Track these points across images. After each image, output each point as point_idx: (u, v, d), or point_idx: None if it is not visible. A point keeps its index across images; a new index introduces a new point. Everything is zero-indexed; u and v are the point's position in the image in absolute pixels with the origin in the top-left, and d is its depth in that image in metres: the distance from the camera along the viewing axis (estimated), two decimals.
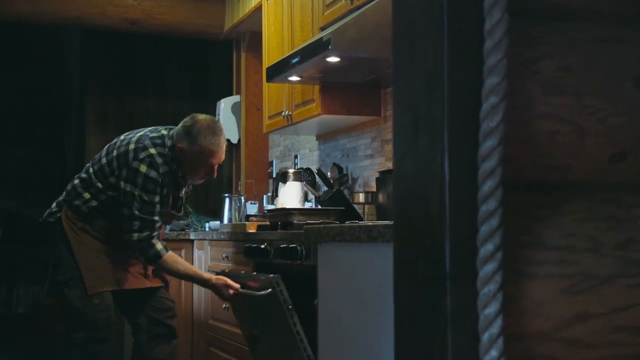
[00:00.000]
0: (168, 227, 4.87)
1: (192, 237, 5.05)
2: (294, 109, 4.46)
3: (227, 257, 4.38)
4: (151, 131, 3.63)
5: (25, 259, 6.53)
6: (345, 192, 4.45)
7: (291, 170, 4.71)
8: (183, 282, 4.93)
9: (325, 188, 4.53)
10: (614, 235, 0.96)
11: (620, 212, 0.96)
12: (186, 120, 3.59)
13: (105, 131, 6.92)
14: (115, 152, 3.58)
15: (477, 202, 0.87)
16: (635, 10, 0.98)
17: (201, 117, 3.60)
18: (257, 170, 5.89)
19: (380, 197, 3.99)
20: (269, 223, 4.21)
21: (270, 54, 4.72)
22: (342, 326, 2.44)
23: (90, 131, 6.93)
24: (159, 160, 3.49)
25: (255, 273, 3.63)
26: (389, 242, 2.08)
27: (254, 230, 4.19)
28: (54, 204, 3.68)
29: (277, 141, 5.77)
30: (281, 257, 3.48)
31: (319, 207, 4.41)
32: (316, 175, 4.67)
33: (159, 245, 3.50)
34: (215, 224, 5.21)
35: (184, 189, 3.73)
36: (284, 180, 4.65)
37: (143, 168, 3.46)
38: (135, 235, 3.46)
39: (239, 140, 6.01)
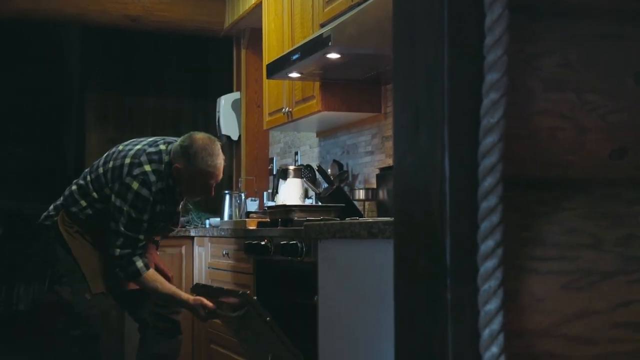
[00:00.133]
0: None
1: (192, 233, 5.05)
2: (294, 105, 4.46)
3: (227, 254, 4.38)
4: (150, 145, 3.59)
5: (26, 257, 6.54)
6: (346, 188, 4.45)
7: (291, 167, 4.71)
8: (183, 279, 4.94)
9: (325, 185, 4.53)
10: (615, 232, 0.96)
11: (620, 208, 0.96)
12: (184, 139, 3.53)
13: (105, 129, 6.93)
14: (111, 164, 3.55)
15: (477, 198, 0.87)
16: (635, 6, 0.98)
17: (199, 136, 3.53)
18: (258, 167, 5.89)
19: (381, 194, 3.99)
20: (269, 220, 4.21)
21: (271, 51, 4.72)
22: (342, 323, 2.44)
23: (90, 129, 6.94)
24: (152, 178, 3.46)
25: (227, 289, 3.66)
26: (390, 238, 2.07)
27: (254, 227, 4.19)
28: (51, 207, 3.67)
29: (278, 138, 5.77)
30: (281, 254, 3.48)
31: (320, 203, 4.41)
32: (316, 172, 4.67)
33: (139, 263, 3.49)
34: (215, 220, 5.20)
35: (181, 204, 3.73)
36: (284, 177, 4.65)
37: (135, 185, 3.44)
38: (117, 251, 3.46)
39: (239, 137, 6.00)
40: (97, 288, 3.53)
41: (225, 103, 6.01)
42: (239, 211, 5.19)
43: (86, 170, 3.72)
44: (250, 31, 5.90)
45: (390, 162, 4.09)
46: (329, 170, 4.57)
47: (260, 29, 5.05)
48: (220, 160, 3.54)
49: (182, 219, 5.33)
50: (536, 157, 0.94)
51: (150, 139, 3.66)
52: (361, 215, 4.13)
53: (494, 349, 0.85)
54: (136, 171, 3.46)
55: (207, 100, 6.90)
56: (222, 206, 5.32)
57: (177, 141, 3.57)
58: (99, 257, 3.56)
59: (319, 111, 4.19)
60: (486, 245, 0.86)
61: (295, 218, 3.84)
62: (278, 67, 4.12)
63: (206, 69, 7.23)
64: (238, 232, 4.23)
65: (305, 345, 3.19)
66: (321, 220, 3.49)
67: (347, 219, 2.90)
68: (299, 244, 3.31)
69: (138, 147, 3.58)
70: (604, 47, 0.96)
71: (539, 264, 0.93)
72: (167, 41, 6.92)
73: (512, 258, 0.90)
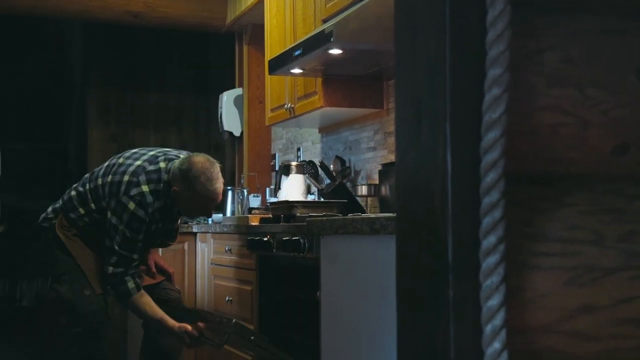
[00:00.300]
0: None
1: (195, 230, 5.05)
2: (296, 101, 4.46)
3: (229, 250, 4.38)
4: (150, 161, 3.54)
5: (29, 252, 6.54)
6: (348, 184, 4.45)
7: (294, 163, 4.71)
8: (186, 275, 4.94)
9: (327, 181, 4.53)
10: (617, 228, 0.95)
11: (623, 204, 0.96)
12: (183, 162, 3.47)
13: (107, 124, 6.93)
14: (110, 178, 3.52)
15: (479, 194, 0.87)
16: (638, 1, 0.98)
17: (197, 159, 3.47)
18: (260, 163, 5.89)
19: (383, 190, 4.00)
20: (271, 216, 4.21)
21: (273, 47, 4.72)
22: (344, 318, 2.44)
23: (92, 125, 6.94)
24: (149, 199, 3.44)
25: (209, 313, 3.72)
26: (392, 234, 2.07)
27: (256, 223, 4.19)
28: (49, 209, 3.67)
29: (280, 134, 5.77)
30: (284, 250, 3.48)
31: (322, 199, 4.41)
32: (319, 168, 4.67)
33: (131, 284, 3.48)
34: (218, 216, 5.21)
35: (179, 220, 3.72)
36: (287, 173, 4.65)
37: (132, 205, 3.42)
38: (110, 269, 3.45)
39: (242, 133, 6.00)
40: (98, 289, 3.54)
41: (227, 99, 6.01)
42: (242, 207, 5.19)
43: (86, 176, 3.69)
44: (252, 27, 5.90)
45: (392, 158, 4.09)
46: (331, 166, 4.57)
47: (262, 25, 5.05)
48: (220, 184, 3.49)
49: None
50: (538, 153, 0.93)
51: (151, 154, 3.60)
52: (363, 211, 4.13)
53: (496, 345, 0.85)
54: (133, 191, 3.43)
55: (209, 96, 6.91)
56: (225, 202, 5.32)
57: (177, 159, 3.52)
58: (96, 258, 3.56)
59: (321, 107, 4.19)
60: (488, 241, 0.86)
61: (298, 214, 3.84)
62: (280, 63, 4.12)
63: (208, 65, 7.23)
64: (240, 228, 4.24)
65: (307, 341, 3.20)
66: (323, 216, 3.49)
67: (350, 215, 2.90)
68: (301, 240, 3.32)
69: (138, 163, 3.54)
70: (606, 42, 0.96)
71: (541, 260, 0.92)
72: (169, 37, 6.92)
73: (514, 254, 0.90)
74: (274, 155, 5.83)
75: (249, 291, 4.10)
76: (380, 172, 4.08)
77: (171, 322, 3.54)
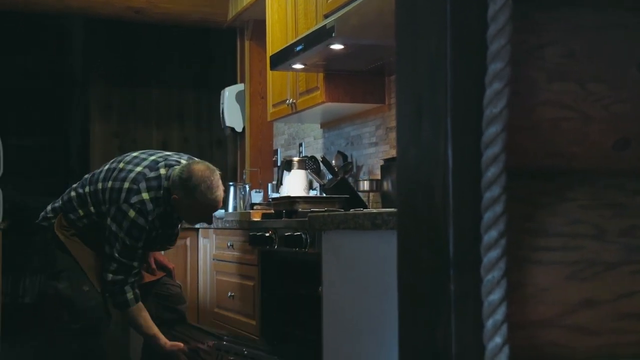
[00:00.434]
0: None
1: (197, 225, 5.05)
2: (298, 97, 4.45)
3: (232, 246, 4.39)
4: (150, 167, 3.52)
5: (31, 249, 6.55)
6: (350, 180, 4.45)
7: (296, 159, 4.71)
8: (188, 271, 4.95)
9: (329, 176, 4.53)
10: (618, 222, 0.95)
11: (624, 198, 0.96)
12: (182, 170, 3.45)
13: (108, 121, 6.93)
14: (110, 184, 3.50)
15: (480, 189, 0.87)
16: None
17: (197, 168, 3.45)
18: (262, 159, 5.89)
19: (385, 185, 3.99)
20: (273, 211, 4.22)
21: (274, 42, 4.71)
22: (346, 313, 2.44)
23: (94, 121, 6.94)
24: (149, 207, 3.42)
25: (202, 331, 3.71)
26: (393, 229, 2.07)
27: (258, 219, 4.19)
28: (49, 208, 3.66)
29: (282, 129, 5.77)
30: (286, 245, 3.49)
31: (324, 195, 4.41)
32: (321, 164, 4.67)
33: (130, 295, 3.48)
34: (220, 212, 5.20)
35: (179, 225, 3.72)
36: (289, 169, 4.65)
37: (132, 214, 3.40)
38: (110, 276, 3.45)
39: (244, 128, 6.00)
40: (98, 285, 3.54)
41: (229, 95, 6.01)
42: (244, 203, 5.19)
43: (86, 176, 3.68)
44: (253, 22, 5.90)
45: (394, 153, 4.08)
46: (333, 162, 4.57)
47: (264, 20, 5.05)
48: (220, 192, 3.48)
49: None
50: (539, 147, 0.93)
51: (152, 159, 3.58)
52: (365, 207, 4.14)
53: (498, 340, 0.85)
54: (134, 199, 3.42)
55: (210, 91, 6.90)
56: (227, 198, 5.32)
57: (177, 165, 3.50)
58: (96, 257, 3.56)
59: (323, 102, 4.19)
60: (489, 236, 0.86)
61: (300, 209, 3.85)
62: (282, 59, 4.12)
63: (210, 61, 7.22)
64: (243, 224, 4.24)
65: (309, 336, 3.20)
66: (325, 211, 3.49)
67: (351, 210, 2.90)
68: (303, 235, 3.32)
69: (138, 169, 3.51)
70: (607, 37, 0.96)
71: (542, 255, 0.92)
72: (171, 33, 6.92)
73: (515, 249, 0.90)
74: (276, 150, 5.82)
75: (251, 286, 4.11)
76: (382, 167, 4.07)
77: (163, 340, 3.53)
